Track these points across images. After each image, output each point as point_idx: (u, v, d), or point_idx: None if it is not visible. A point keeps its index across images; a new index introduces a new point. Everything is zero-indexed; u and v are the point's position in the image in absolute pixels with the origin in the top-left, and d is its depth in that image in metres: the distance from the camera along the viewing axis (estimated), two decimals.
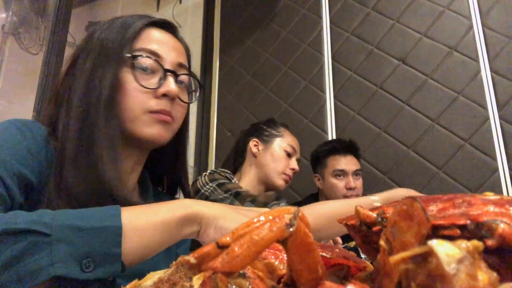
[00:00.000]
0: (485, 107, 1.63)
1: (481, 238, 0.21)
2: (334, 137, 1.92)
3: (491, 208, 0.24)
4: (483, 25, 1.72)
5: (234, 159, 1.40)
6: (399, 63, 1.86)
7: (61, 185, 0.52)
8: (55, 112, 0.60)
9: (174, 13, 2.54)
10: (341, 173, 1.51)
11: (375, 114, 1.86)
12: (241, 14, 2.39)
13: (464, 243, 0.19)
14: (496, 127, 1.60)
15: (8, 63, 2.16)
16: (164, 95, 0.59)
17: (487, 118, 1.62)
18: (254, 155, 1.34)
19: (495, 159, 1.57)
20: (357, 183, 1.52)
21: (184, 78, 0.65)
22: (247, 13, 2.38)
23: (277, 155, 1.31)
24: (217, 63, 2.40)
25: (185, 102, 0.64)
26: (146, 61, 0.59)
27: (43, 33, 2.01)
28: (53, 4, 1.70)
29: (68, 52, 2.01)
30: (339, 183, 1.50)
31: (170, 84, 0.60)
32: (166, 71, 0.60)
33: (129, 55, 0.58)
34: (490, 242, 0.21)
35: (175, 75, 0.62)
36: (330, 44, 2.06)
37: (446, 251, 0.18)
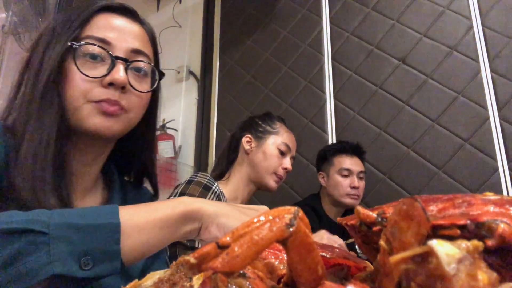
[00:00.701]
0: (485, 107, 1.63)
1: (481, 238, 0.21)
2: (334, 137, 1.92)
3: (491, 208, 0.24)
4: (483, 25, 1.72)
5: (228, 154, 1.35)
6: (399, 63, 1.86)
7: (10, 180, 0.50)
8: (9, 106, 0.58)
9: (174, 13, 2.54)
10: (347, 172, 1.56)
11: (375, 114, 1.86)
12: (241, 14, 2.39)
13: (464, 243, 0.19)
14: (496, 127, 1.60)
15: (8, 63, 2.16)
16: (111, 84, 0.55)
17: (487, 118, 1.62)
18: (246, 152, 1.29)
19: (495, 159, 1.57)
20: (360, 184, 1.57)
21: (143, 65, 0.60)
22: (247, 13, 2.38)
23: (270, 153, 1.26)
24: (217, 63, 2.40)
25: (139, 91, 0.59)
26: (90, 49, 0.55)
27: None
28: (53, 4, 1.70)
29: None
30: (344, 181, 1.55)
31: (118, 72, 0.55)
32: (114, 58, 0.56)
33: (72, 43, 0.55)
34: (490, 242, 0.21)
35: (127, 62, 0.57)
36: (330, 44, 2.06)
37: (446, 251, 0.18)
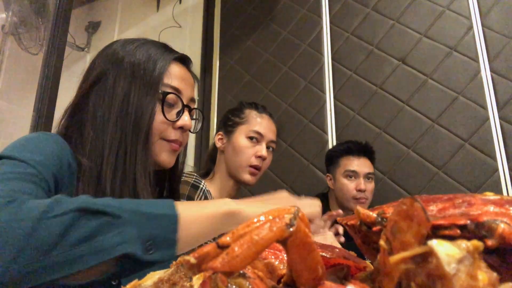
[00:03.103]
0: (485, 107, 1.63)
1: (481, 238, 0.21)
2: (334, 137, 1.92)
3: (491, 208, 0.24)
4: (483, 25, 1.72)
5: (210, 153, 1.32)
6: (399, 63, 1.86)
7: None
8: (75, 127, 0.63)
9: (174, 13, 2.54)
10: (353, 174, 1.50)
11: (375, 114, 1.86)
12: (241, 14, 2.39)
13: (464, 243, 0.19)
14: (496, 127, 1.60)
15: (8, 63, 2.16)
16: (180, 127, 0.67)
17: (487, 118, 1.62)
18: (221, 150, 1.24)
19: (495, 159, 1.57)
20: (368, 186, 1.50)
21: (196, 112, 0.74)
22: (247, 13, 2.38)
23: (239, 146, 1.18)
24: (217, 63, 2.40)
25: (191, 132, 0.72)
26: (172, 97, 0.67)
27: (43, 33, 2.01)
28: (53, 4, 1.70)
29: (68, 52, 2.00)
30: (350, 184, 1.49)
31: (185, 118, 0.68)
32: (184, 106, 0.68)
33: (162, 91, 0.65)
34: (490, 242, 0.21)
35: (189, 109, 0.70)
36: (330, 44, 2.06)
37: (446, 251, 0.18)
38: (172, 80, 0.67)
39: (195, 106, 0.74)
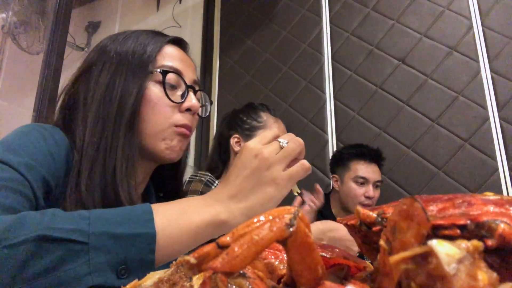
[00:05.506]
0: (485, 107, 1.63)
1: (481, 238, 0.21)
2: (334, 137, 1.92)
3: (491, 208, 0.24)
4: (483, 25, 1.72)
5: (219, 156, 1.29)
6: (399, 63, 1.86)
7: (76, 195, 0.52)
8: (67, 122, 0.59)
9: (174, 13, 2.54)
10: (363, 180, 1.49)
11: (375, 114, 1.86)
12: (241, 14, 2.39)
13: (464, 243, 0.19)
14: (496, 127, 1.60)
15: (8, 63, 2.16)
16: (188, 110, 0.62)
17: (487, 118, 1.62)
18: (236, 153, 1.22)
19: (495, 159, 1.57)
20: (376, 193, 1.50)
21: (198, 93, 0.68)
22: (247, 13, 2.38)
23: None
24: (217, 63, 2.40)
25: (200, 116, 0.67)
26: (172, 77, 0.61)
27: (43, 33, 2.01)
28: (53, 4, 1.70)
29: (68, 52, 2.00)
30: (359, 190, 1.48)
31: (193, 100, 0.62)
32: (188, 86, 0.63)
33: (159, 70, 0.60)
34: (490, 242, 0.21)
35: (194, 90, 0.64)
36: (330, 44, 2.06)
37: (446, 251, 0.18)
38: (168, 61, 0.62)
39: (200, 88, 0.68)
